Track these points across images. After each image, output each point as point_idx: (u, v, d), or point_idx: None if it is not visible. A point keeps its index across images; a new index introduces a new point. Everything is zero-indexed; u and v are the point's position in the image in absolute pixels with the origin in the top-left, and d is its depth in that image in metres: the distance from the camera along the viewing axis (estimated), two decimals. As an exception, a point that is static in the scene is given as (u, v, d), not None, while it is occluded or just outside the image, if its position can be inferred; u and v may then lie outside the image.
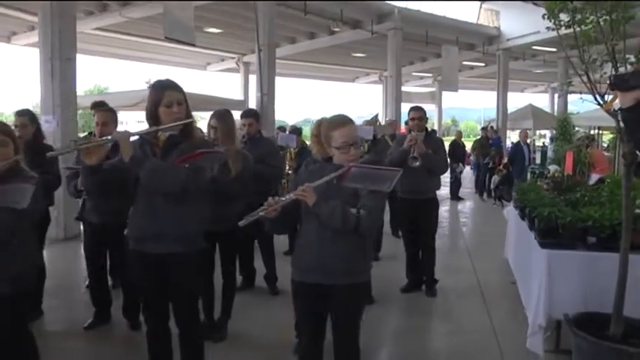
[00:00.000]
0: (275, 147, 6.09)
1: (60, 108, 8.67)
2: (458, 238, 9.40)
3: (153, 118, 3.22)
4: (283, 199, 2.85)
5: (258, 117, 5.89)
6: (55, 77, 8.55)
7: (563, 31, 3.71)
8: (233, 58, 23.49)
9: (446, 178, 15.35)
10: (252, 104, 15.44)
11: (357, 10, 17.28)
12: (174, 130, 3.25)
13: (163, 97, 3.19)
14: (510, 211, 6.60)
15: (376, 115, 9.13)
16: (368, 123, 7.55)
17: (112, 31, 18.04)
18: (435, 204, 6.01)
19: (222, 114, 4.60)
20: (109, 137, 3.21)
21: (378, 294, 5.60)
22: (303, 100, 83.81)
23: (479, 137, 15.79)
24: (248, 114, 5.83)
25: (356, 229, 2.79)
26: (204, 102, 12.24)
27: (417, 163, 5.46)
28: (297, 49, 21.35)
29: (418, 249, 6.04)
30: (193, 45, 12.42)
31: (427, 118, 6.12)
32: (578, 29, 3.57)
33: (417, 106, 6.10)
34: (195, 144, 3.20)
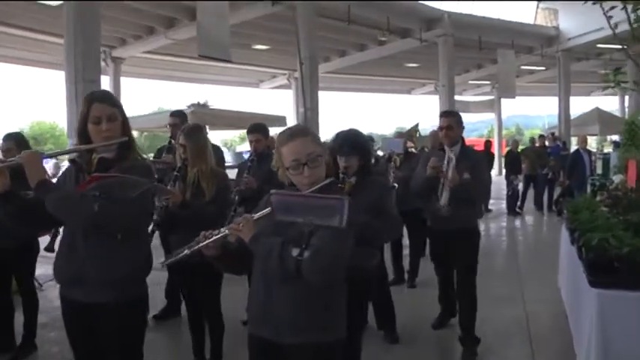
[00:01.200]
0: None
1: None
2: (510, 260, 8.32)
3: (82, 136, 2.61)
4: (217, 232, 2.20)
5: (266, 132, 5.21)
6: (79, 100, 8.22)
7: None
8: (284, 74, 23.15)
9: (502, 190, 14.21)
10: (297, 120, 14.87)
11: (404, 18, 16.47)
12: (109, 152, 2.61)
13: (90, 112, 2.56)
14: (563, 231, 5.57)
15: (416, 125, 8.28)
16: (400, 135, 6.72)
17: (160, 54, 18.03)
18: (473, 236, 4.48)
19: (190, 130, 3.96)
20: (14, 159, 2.57)
21: (405, 331, 4.80)
22: (356, 114, 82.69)
23: (528, 146, 14.33)
24: (255, 129, 5.15)
25: (298, 275, 2.06)
26: (242, 120, 11.76)
27: (445, 210, 4.18)
28: (346, 62, 20.72)
29: (452, 279, 4.77)
30: (229, 61, 11.94)
31: (463, 127, 4.51)
32: None
33: (448, 111, 4.80)
34: (124, 168, 2.53)
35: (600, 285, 3.11)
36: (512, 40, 18.95)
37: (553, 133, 16.86)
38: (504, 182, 13.60)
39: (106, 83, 18.18)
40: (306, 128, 2.40)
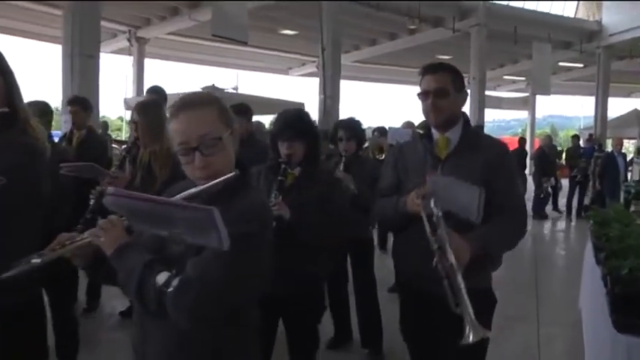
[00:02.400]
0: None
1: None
2: (528, 273, 7.41)
3: None
4: (79, 238, 1.52)
5: (248, 114, 4.51)
6: (75, 75, 7.65)
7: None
8: (313, 62, 22.35)
9: (530, 192, 13.18)
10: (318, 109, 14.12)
11: (437, 6, 15.49)
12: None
13: None
14: (588, 244, 4.72)
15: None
16: (408, 124, 5.92)
17: (185, 36, 17.46)
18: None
19: (144, 105, 3.36)
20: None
21: (392, 348, 4.01)
22: (385, 106, 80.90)
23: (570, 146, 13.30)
24: (235, 110, 4.47)
25: (160, 310, 1.40)
26: (255, 104, 11.08)
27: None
28: (375, 52, 19.84)
29: None
30: (245, 43, 11.24)
31: (466, 93, 2.39)
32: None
33: (435, 65, 2.34)
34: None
35: (630, 330, 2.32)
36: (549, 34, 17.74)
37: (591, 134, 15.66)
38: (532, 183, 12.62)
39: (129, 64, 17.85)
40: (207, 96, 1.66)
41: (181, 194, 1.50)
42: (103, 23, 16.02)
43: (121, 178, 3.27)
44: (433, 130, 2.34)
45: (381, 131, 6.77)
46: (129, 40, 17.17)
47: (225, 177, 1.50)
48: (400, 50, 19.30)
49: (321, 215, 2.55)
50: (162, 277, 1.39)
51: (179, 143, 1.52)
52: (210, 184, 1.50)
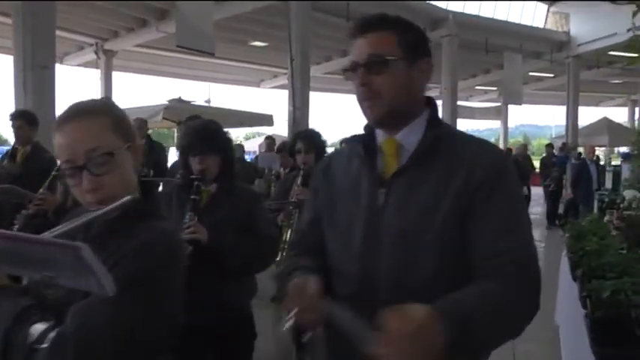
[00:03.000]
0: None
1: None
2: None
3: None
4: None
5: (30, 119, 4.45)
6: (28, 88, 7.18)
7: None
8: (285, 73, 22.08)
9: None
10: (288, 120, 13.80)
11: (407, 17, 15.09)
12: None
13: None
14: (563, 258, 4.47)
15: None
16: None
17: (154, 48, 17.03)
18: None
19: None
20: None
21: None
22: (358, 117, 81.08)
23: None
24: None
25: None
26: (222, 117, 10.73)
27: None
28: (342, 64, 19.63)
29: None
30: (212, 54, 10.90)
31: (426, 60, 1.48)
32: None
33: (370, 20, 1.44)
34: None
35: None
36: (520, 44, 17.76)
37: (565, 143, 15.61)
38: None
39: (97, 77, 17.34)
40: (98, 104, 1.34)
41: (67, 224, 1.19)
42: (68, 35, 15.72)
43: (49, 200, 2.92)
44: (377, 132, 1.44)
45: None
46: (96, 52, 16.67)
47: (122, 201, 1.18)
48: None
49: (245, 235, 2.26)
50: (36, 330, 1.07)
51: (64, 161, 1.21)
52: (103, 210, 1.18)
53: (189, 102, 11.26)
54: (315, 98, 17.73)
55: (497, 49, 17.18)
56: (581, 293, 2.49)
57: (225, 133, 2.56)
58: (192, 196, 2.28)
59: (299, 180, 3.67)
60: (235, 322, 2.37)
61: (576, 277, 2.94)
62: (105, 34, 16.34)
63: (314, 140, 3.87)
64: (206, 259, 2.07)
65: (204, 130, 2.42)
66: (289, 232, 3.51)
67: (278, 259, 2.91)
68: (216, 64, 18.95)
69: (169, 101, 10.95)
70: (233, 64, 19.87)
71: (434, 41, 16.20)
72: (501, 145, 24.24)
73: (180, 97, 11.28)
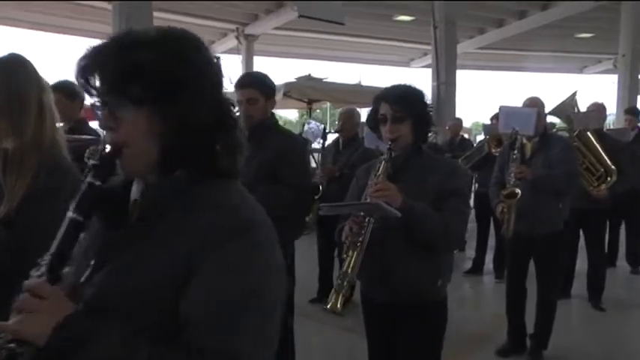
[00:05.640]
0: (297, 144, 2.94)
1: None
2: None
3: None
4: None
5: (266, 88, 2.81)
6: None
7: None
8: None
9: None
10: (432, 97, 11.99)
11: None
12: None
13: None
14: None
15: (573, 94, 5.21)
16: (531, 102, 3.82)
17: (296, 30, 16.06)
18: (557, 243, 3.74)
19: None
20: None
21: None
22: (516, 96, 73.50)
23: None
24: (245, 82, 2.80)
25: None
26: (352, 94, 9.31)
27: None
28: (501, 34, 17.06)
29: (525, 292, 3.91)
30: (342, 24, 9.45)
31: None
32: None
33: None
34: None
35: None
36: None
37: None
38: None
39: (238, 62, 16.91)
40: None
41: None
42: (212, 23, 15.44)
43: None
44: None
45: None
46: (237, 37, 16.25)
47: None
48: (529, 31, 16.34)
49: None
50: None
51: None
52: None
53: (321, 79, 9.96)
54: (465, 76, 15.62)
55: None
56: None
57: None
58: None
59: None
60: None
61: None
62: (245, 19, 15.81)
63: None
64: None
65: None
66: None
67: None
68: (362, 44, 17.82)
69: (297, 78, 9.79)
70: (380, 42, 18.42)
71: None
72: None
73: (309, 74, 10.06)
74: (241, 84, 2.80)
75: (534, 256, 3.77)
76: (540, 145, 3.63)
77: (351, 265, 2.00)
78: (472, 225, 6.71)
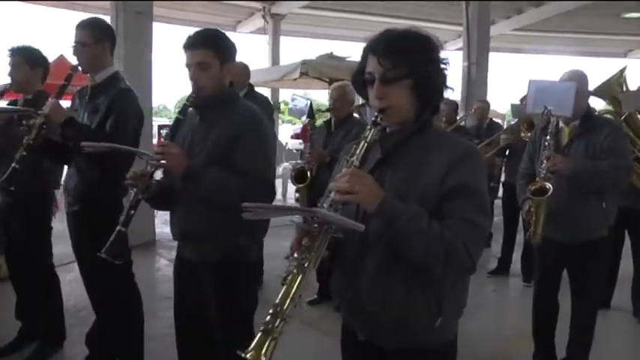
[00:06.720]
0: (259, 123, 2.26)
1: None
2: None
3: None
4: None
5: (222, 49, 2.17)
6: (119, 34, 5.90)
7: None
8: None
9: None
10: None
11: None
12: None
13: None
14: None
15: (622, 71, 4.42)
16: (571, 75, 3.06)
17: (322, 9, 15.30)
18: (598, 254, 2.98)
19: None
20: None
21: None
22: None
23: None
24: (196, 41, 2.18)
25: None
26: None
27: None
28: (541, 14, 15.87)
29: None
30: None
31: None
32: None
33: None
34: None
35: None
36: None
37: None
38: None
39: (264, 41, 16.30)
40: None
41: None
42: (238, 2, 14.82)
43: None
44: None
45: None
46: (264, 17, 15.62)
47: None
48: (572, 11, 15.12)
49: None
50: None
51: None
52: None
53: (344, 58, 9.20)
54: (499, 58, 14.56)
55: None
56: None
57: None
58: None
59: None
60: None
61: None
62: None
63: None
64: None
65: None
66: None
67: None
68: (384, 24, 16.70)
69: (318, 57, 9.08)
70: (412, 23, 17.43)
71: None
72: None
73: (331, 53, 9.31)
74: (191, 44, 2.15)
75: (568, 266, 3.05)
76: (581, 130, 2.89)
77: (290, 295, 1.31)
78: (499, 218, 5.95)
